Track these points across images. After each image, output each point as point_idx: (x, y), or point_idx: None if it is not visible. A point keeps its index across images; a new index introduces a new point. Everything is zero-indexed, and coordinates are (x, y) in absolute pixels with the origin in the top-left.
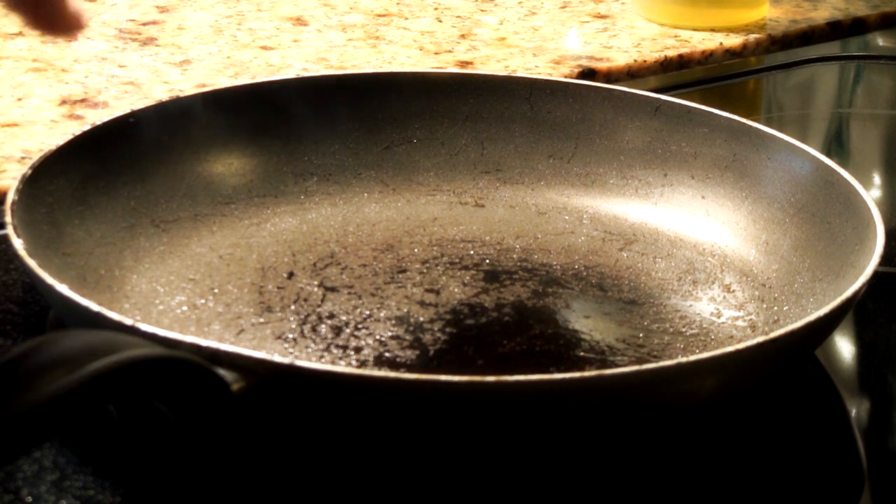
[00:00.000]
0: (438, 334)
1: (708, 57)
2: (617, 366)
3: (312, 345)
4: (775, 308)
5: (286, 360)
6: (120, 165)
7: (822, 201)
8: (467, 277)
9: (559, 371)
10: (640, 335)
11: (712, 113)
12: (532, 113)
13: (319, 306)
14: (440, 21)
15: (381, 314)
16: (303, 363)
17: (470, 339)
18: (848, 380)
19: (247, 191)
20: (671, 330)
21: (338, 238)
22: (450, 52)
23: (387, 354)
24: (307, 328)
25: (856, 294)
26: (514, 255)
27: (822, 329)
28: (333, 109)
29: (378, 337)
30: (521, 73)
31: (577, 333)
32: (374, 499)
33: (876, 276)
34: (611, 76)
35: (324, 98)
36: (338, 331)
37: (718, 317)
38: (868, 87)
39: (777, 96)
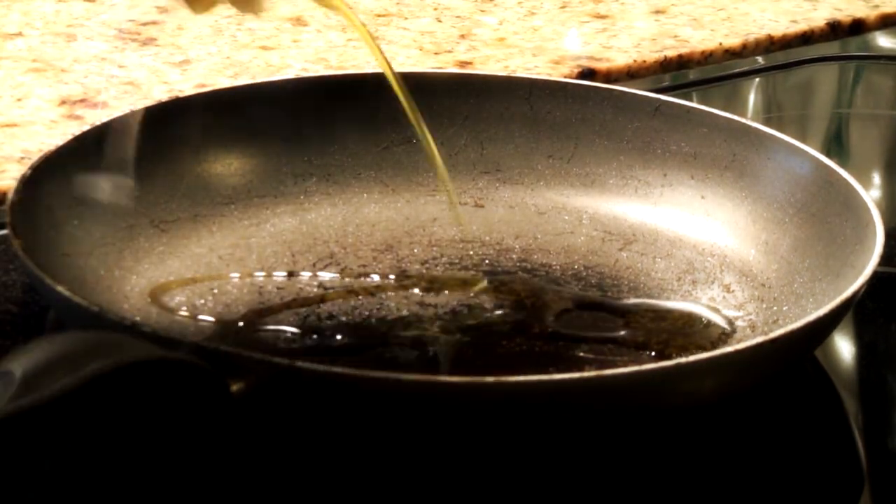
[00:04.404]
0: (438, 334)
1: (708, 57)
2: (617, 366)
3: (312, 345)
4: (775, 308)
5: (286, 361)
6: (119, 165)
7: (822, 201)
8: (467, 278)
9: (559, 371)
10: (640, 335)
11: (712, 113)
12: (532, 113)
13: (319, 306)
14: (440, 21)
15: (381, 314)
16: (302, 363)
17: (470, 339)
18: (847, 380)
19: (246, 191)
20: (671, 330)
21: (337, 238)
22: (449, 52)
23: (386, 355)
24: (307, 328)
25: (855, 294)
26: (514, 256)
27: (821, 329)
28: (333, 109)
29: (377, 337)
30: (520, 74)
31: (577, 333)
32: (374, 499)
33: (875, 276)
34: (610, 76)
35: (323, 98)
36: (337, 331)
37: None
38: (868, 87)
39: (777, 96)
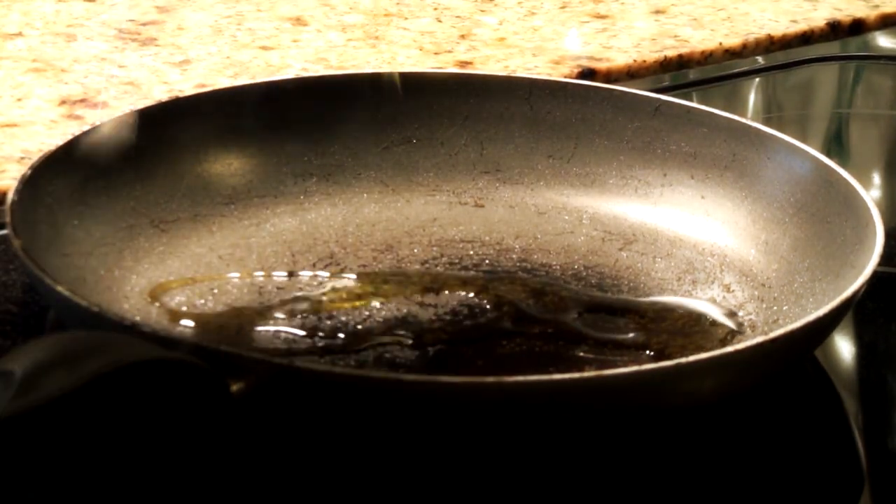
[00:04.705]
0: (438, 334)
1: (708, 57)
2: (617, 366)
3: (312, 345)
4: (775, 308)
5: (286, 361)
6: (119, 165)
7: (822, 201)
8: (467, 278)
9: (559, 371)
10: (640, 335)
11: (712, 113)
12: (532, 113)
13: (319, 306)
14: (440, 21)
15: (381, 314)
16: (302, 363)
17: (469, 339)
18: (847, 380)
19: (246, 191)
20: (671, 330)
21: (337, 238)
22: (449, 52)
23: (386, 355)
24: (307, 328)
25: (855, 294)
26: (514, 256)
27: (821, 329)
28: (333, 109)
29: (378, 337)
30: (520, 74)
31: (577, 333)
32: (373, 499)
33: (875, 276)
34: (610, 76)
35: (323, 98)
36: (337, 331)
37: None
38: (868, 87)
39: (777, 96)
